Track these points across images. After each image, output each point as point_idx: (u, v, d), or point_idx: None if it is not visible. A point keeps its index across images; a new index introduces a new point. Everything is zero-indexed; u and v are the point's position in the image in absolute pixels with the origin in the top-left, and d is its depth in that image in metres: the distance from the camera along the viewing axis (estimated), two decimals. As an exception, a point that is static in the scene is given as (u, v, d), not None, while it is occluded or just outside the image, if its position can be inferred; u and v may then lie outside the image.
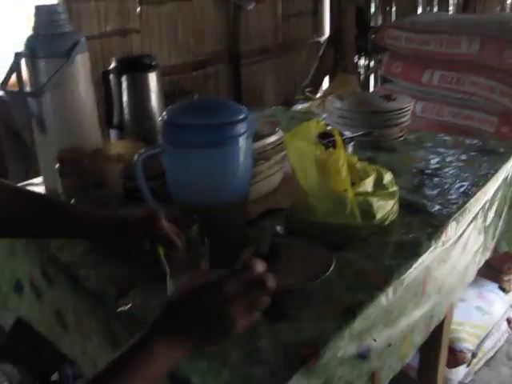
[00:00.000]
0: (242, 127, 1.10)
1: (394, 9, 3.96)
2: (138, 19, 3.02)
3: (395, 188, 1.33)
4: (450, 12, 3.66)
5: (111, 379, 0.68)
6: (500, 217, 1.80)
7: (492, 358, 2.60)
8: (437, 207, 1.43)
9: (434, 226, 1.33)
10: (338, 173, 1.17)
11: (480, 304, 2.55)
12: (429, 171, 1.69)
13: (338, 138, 1.22)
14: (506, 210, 1.81)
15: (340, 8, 3.98)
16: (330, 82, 3.94)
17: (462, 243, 1.48)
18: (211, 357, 0.91)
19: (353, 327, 0.99)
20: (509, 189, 1.80)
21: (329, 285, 1.07)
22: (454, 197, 1.50)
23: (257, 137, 1.42)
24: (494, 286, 2.64)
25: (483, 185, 1.58)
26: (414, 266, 1.17)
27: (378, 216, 1.22)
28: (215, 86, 3.43)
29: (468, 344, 2.32)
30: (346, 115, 1.90)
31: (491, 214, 1.70)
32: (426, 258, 1.23)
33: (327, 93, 3.83)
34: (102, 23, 2.86)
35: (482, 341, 2.45)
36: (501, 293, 2.63)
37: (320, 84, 3.96)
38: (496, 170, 1.69)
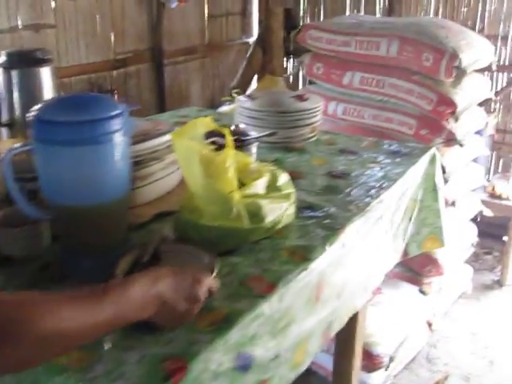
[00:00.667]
0: (116, 124, 1.02)
1: (322, 11, 3.95)
2: (53, 13, 2.87)
3: (291, 190, 1.27)
4: (377, 15, 3.67)
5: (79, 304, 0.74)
6: (410, 219, 1.78)
7: (412, 360, 2.60)
8: (338, 210, 1.39)
9: (332, 230, 1.28)
10: (225, 174, 1.10)
11: (399, 307, 2.54)
12: (336, 173, 1.65)
13: (227, 138, 1.15)
14: (415, 212, 1.79)
15: (268, 9, 3.94)
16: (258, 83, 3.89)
17: (364, 247, 1.44)
18: (70, 371, 0.82)
19: (228, 338, 0.91)
20: (418, 191, 1.78)
21: (209, 293, 0.99)
22: (357, 199, 1.46)
23: (148, 136, 1.34)
24: (414, 289, 2.64)
25: (388, 187, 1.55)
26: (304, 272, 1.11)
27: (269, 219, 1.16)
28: (137, 86, 3.32)
29: (385, 348, 2.31)
30: (253, 115, 1.85)
31: (399, 217, 1.67)
32: (319, 263, 1.17)
33: (255, 94, 3.78)
34: (12, 17, 2.71)
35: (401, 344, 2.44)
36: (421, 296, 2.63)
37: (248, 85, 3.91)
38: (404, 172, 1.67)
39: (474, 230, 2.98)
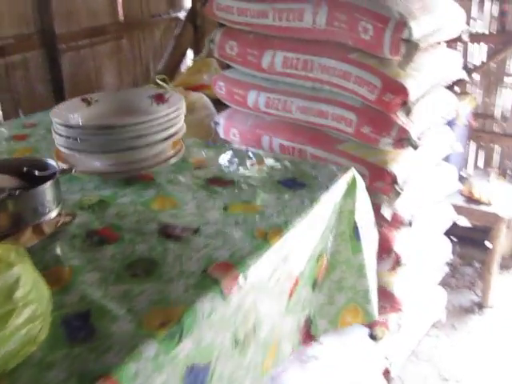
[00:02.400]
0: None
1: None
2: None
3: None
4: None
5: None
6: (314, 285, 1.14)
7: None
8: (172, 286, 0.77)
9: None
10: None
11: (345, 358, 1.91)
12: (176, 228, 1.01)
13: None
14: (322, 273, 1.16)
15: (200, -25, 3.24)
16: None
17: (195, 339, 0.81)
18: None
19: None
20: (324, 241, 1.14)
21: None
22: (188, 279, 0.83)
23: None
24: (362, 334, 2.01)
25: (259, 253, 0.91)
26: None
27: None
28: (24, 78, 2.64)
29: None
30: (69, 134, 1.19)
31: (291, 283, 1.04)
32: None
33: (182, 81, 3.10)
34: None
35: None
36: (371, 342, 2.01)
37: (176, 69, 3.23)
38: (295, 216, 1.02)
39: (447, 245, 2.34)
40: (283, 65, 2.00)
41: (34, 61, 2.69)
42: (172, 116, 1.25)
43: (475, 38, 2.80)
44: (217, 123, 2.35)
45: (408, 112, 1.78)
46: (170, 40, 3.33)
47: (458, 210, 2.39)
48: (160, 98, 1.35)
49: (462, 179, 2.60)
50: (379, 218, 1.87)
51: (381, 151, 1.89)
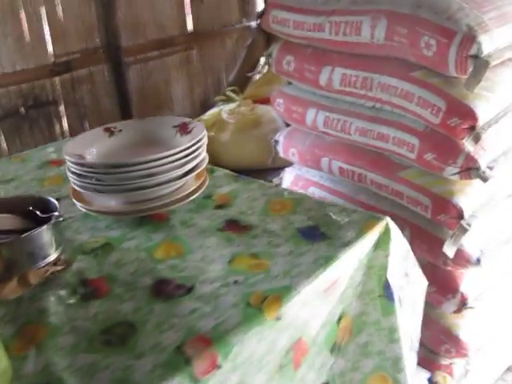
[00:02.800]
0: None
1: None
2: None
3: None
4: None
5: None
6: (333, 348, 1.00)
7: None
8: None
9: None
10: None
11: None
12: (171, 284, 0.91)
13: None
14: (346, 337, 1.01)
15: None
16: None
17: None
18: None
19: None
20: (349, 301, 1.00)
21: None
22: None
23: None
24: (420, 379, 1.82)
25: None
26: None
27: None
28: (91, 92, 2.66)
29: None
30: (83, 172, 1.13)
31: (308, 347, 0.91)
32: None
33: (251, 93, 3.01)
34: None
35: None
36: (434, 390, 1.81)
37: (248, 81, 3.14)
38: (311, 273, 0.89)
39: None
40: (341, 82, 1.85)
41: (99, 75, 2.70)
42: (191, 150, 1.15)
43: None
44: (277, 141, 2.24)
45: (477, 139, 1.56)
46: (242, 50, 3.24)
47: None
48: (184, 128, 1.26)
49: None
50: (442, 256, 1.68)
51: (447, 181, 1.68)
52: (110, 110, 2.74)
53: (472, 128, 1.57)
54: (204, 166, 1.20)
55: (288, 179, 2.24)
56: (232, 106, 2.90)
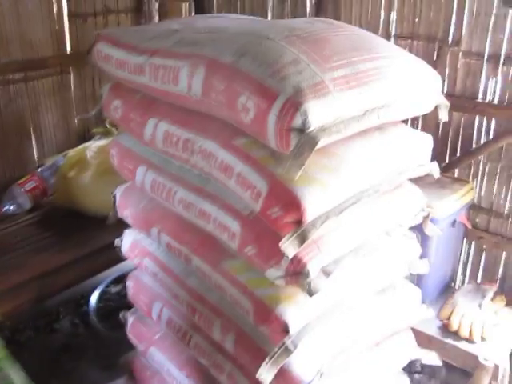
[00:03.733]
0: None
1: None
2: None
3: None
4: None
5: None
6: None
7: None
8: None
9: None
10: None
11: None
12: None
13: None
14: None
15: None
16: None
17: None
18: None
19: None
20: None
21: None
22: None
23: None
24: None
25: None
26: None
27: None
28: None
29: None
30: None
31: None
32: None
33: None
34: None
35: None
36: None
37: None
38: None
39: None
40: (164, 141, 1.45)
41: None
42: None
43: (481, 107, 2.11)
44: (114, 197, 1.83)
45: (302, 239, 1.17)
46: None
47: (429, 341, 1.73)
48: None
49: (445, 293, 1.94)
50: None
51: (273, 283, 1.29)
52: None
53: (298, 222, 1.18)
54: None
55: (127, 243, 1.83)
56: (104, 142, 2.49)
